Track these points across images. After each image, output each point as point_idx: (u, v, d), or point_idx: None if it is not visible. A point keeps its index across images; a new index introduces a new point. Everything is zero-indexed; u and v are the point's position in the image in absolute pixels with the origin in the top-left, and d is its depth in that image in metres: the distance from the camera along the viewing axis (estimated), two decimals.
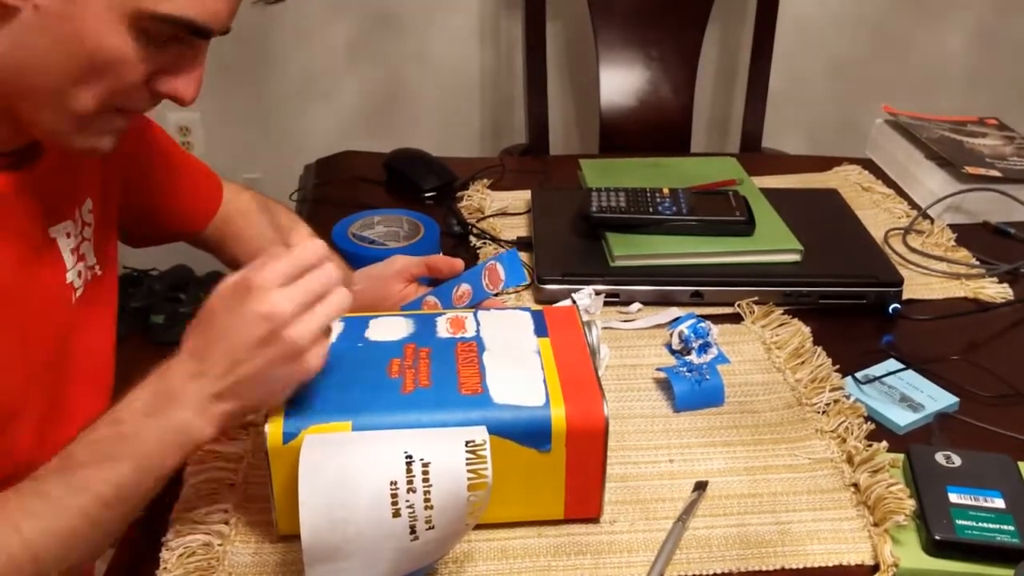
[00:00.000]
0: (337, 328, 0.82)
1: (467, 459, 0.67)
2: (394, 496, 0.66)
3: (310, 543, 0.66)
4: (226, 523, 0.78)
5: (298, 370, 0.69)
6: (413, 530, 0.66)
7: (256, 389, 0.69)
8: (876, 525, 0.77)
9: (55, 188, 0.79)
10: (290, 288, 0.68)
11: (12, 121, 0.71)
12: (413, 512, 0.66)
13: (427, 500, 0.66)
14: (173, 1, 0.65)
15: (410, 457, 0.67)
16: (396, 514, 0.66)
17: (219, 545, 0.76)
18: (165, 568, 0.74)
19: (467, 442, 0.68)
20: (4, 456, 0.75)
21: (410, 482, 0.66)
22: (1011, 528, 0.75)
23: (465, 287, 0.97)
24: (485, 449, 0.68)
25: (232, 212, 1.07)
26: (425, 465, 0.66)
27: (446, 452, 0.68)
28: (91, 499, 0.66)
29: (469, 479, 0.67)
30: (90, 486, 0.66)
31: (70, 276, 0.81)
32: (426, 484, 0.66)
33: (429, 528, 0.66)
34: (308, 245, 0.71)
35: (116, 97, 0.69)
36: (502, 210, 1.32)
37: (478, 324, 0.84)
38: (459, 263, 1.00)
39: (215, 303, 0.70)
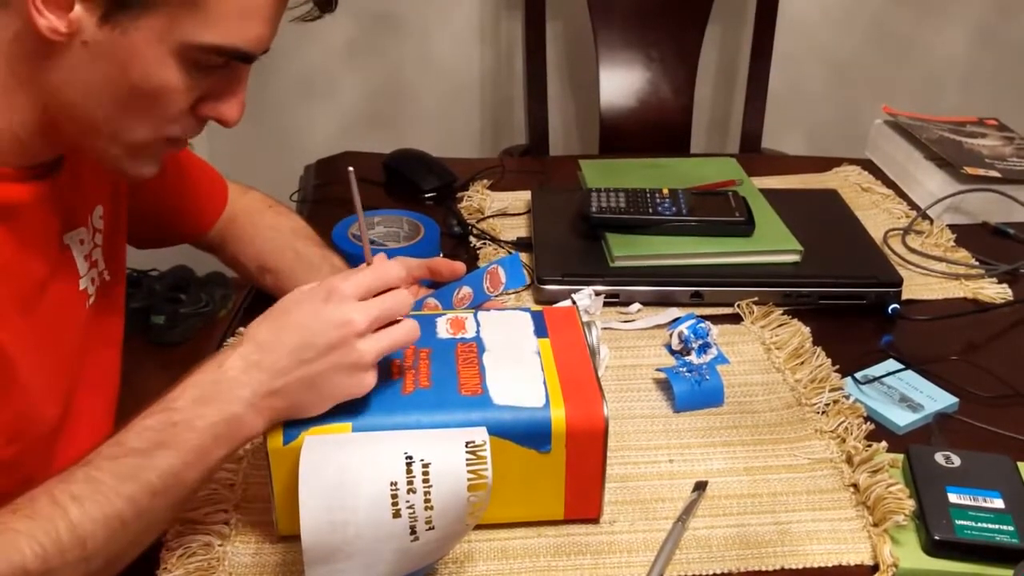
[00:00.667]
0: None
1: (467, 460, 0.67)
2: (394, 497, 0.66)
3: (310, 544, 0.66)
4: (226, 523, 0.78)
5: (355, 383, 0.70)
6: (413, 531, 0.66)
7: (311, 392, 0.69)
8: (876, 525, 0.77)
9: (71, 196, 0.80)
10: (369, 303, 0.70)
11: (55, 140, 0.72)
12: (413, 513, 0.66)
13: (427, 501, 0.66)
14: (219, 31, 0.67)
15: (410, 458, 0.67)
16: (396, 515, 0.66)
17: (219, 545, 0.76)
18: (165, 568, 0.74)
19: (467, 443, 0.68)
20: (16, 467, 0.74)
21: (410, 483, 0.66)
22: (1010, 528, 0.75)
23: (466, 290, 0.97)
24: (485, 450, 0.68)
25: (236, 212, 1.07)
26: (425, 466, 0.66)
27: (446, 453, 0.68)
28: (139, 487, 0.66)
29: (469, 480, 0.67)
30: (138, 474, 0.66)
31: (83, 283, 0.82)
32: (426, 485, 0.66)
33: (429, 529, 0.66)
34: (392, 266, 0.73)
35: (167, 126, 0.71)
36: (502, 211, 1.32)
37: (478, 325, 0.84)
38: (460, 266, 1.00)
39: (292, 301, 0.71)
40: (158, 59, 0.67)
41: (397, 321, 0.73)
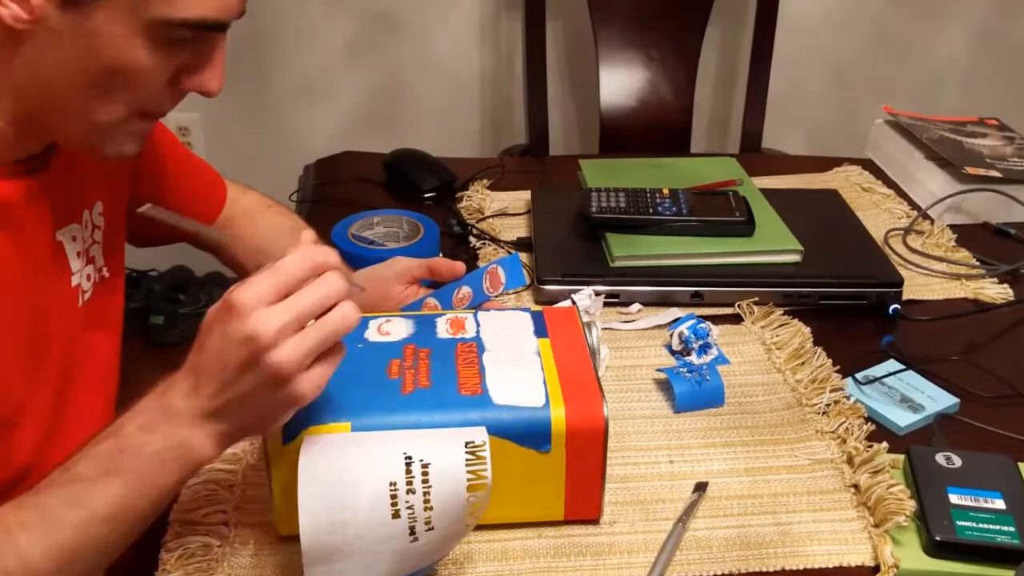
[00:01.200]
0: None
1: (467, 460, 0.67)
2: (393, 497, 0.66)
3: (309, 544, 0.66)
4: (225, 524, 0.78)
5: (285, 397, 0.64)
6: (413, 531, 0.66)
7: (246, 412, 0.65)
8: (876, 526, 0.77)
9: (63, 192, 0.79)
10: (277, 307, 0.63)
11: (34, 130, 0.72)
12: (413, 513, 0.66)
13: (427, 501, 0.66)
14: (184, 4, 0.65)
15: (409, 458, 0.67)
16: (396, 515, 0.66)
17: (218, 546, 0.76)
18: (164, 569, 0.74)
19: (467, 443, 0.68)
20: (4, 460, 0.74)
21: (409, 483, 0.66)
22: (1011, 529, 0.75)
23: (466, 289, 0.97)
24: (485, 450, 0.68)
25: (236, 212, 1.07)
26: (425, 466, 0.66)
27: (446, 453, 0.67)
28: (88, 514, 0.64)
29: (469, 480, 0.67)
30: (87, 501, 0.64)
31: (76, 279, 0.81)
32: (426, 485, 0.66)
33: (429, 529, 0.66)
34: (298, 255, 0.65)
35: (140, 103, 0.70)
36: (502, 211, 1.32)
37: (478, 325, 0.84)
38: (460, 266, 1.00)
39: (208, 320, 0.66)
40: (126, 39, 0.65)
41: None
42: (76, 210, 0.82)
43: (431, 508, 0.66)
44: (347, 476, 0.67)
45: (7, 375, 0.73)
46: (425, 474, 0.66)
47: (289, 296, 0.63)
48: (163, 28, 0.66)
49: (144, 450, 0.65)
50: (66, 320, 0.80)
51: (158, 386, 0.68)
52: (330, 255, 0.66)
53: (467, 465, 0.67)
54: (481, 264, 1.17)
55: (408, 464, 0.66)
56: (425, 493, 0.66)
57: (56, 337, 0.79)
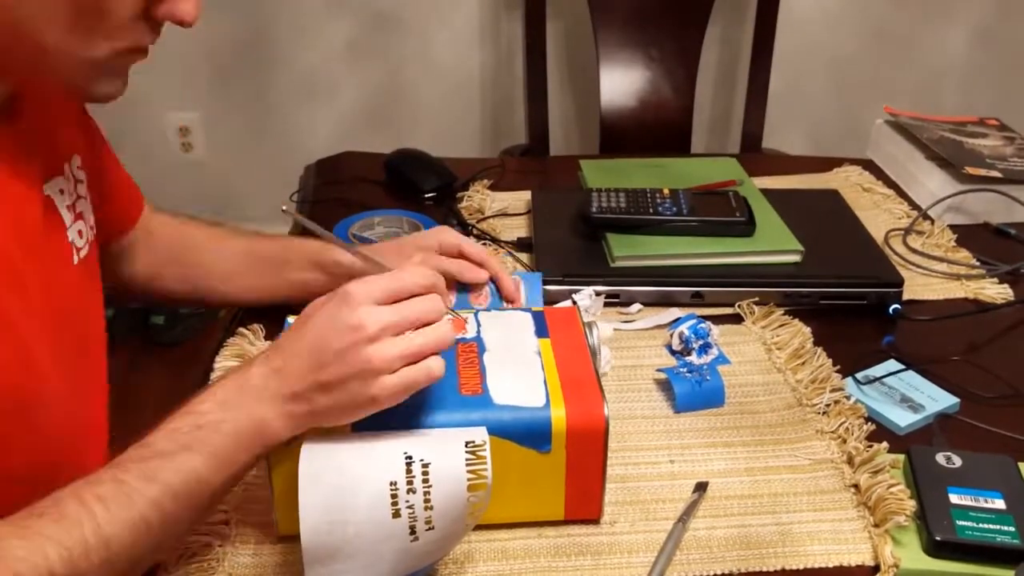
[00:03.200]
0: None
1: (467, 460, 0.67)
2: (394, 497, 0.66)
3: (310, 544, 0.66)
4: (226, 523, 0.78)
5: (367, 392, 0.67)
6: (413, 531, 0.66)
7: (325, 399, 0.68)
8: (877, 526, 0.77)
9: (41, 144, 0.77)
10: (385, 307, 0.68)
11: (5, 72, 0.69)
12: (413, 513, 0.66)
13: (427, 501, 0.66)
14: None
15: (410, 458, 0.67)
16: (396, 515, 0.66)
17: (219, 546, 0.76)
18: (165, 569, 0.74)
19: (467, 443, 0.68)
20: (34, 432, 0.73)
21: (410, 483, 0.66)
22: (1011, 529, 0.75)
23: (486, 291, 0.98)
24: (485, 450, 0.68)
25: (153, 222, 1.03)
26: (425, 466, 0.66)
27: (446, 453, 0.68)
28: (163, 490, 0.65)
29: (469, 480, 0.67)
30: (162, 476, 0.65)
31: (70, 235, 0.79)
32: (426, 485, 0.66)
33: (429, 529, 0.66)
34: (417, 271, 0.71)
35: (121, 36, 0.67)
36: (502, 211, 1.32)
37: (479, 325, 0.84)
38: (484, 275, 1.00)
39: (312, 306, 0.70)
40: None
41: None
42: (59, 163, 0.80)
43: (431, 508, 0.66)
44: (348, 476, 0.67)
45: (27, 336, 0.71)
46: (426, 474, 0.66)
47: (397, 303, 0.69)
48: None
49: (222, 427, 0.67)
50: (64, 279, 0.79)
51: (240, 365, 0.71)
52: (439, 281, 0.72)
53: (467, 465, 0.67)
54: None
55: (408, 464, 0.66)
56: (426, 493, 0.66)
57: (62, 298, 0.77)
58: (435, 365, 0.69)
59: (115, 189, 0.97)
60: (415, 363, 0.68)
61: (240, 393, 0.69)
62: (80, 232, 0.81)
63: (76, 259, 0.80)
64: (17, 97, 0.74)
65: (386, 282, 0.69)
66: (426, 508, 0.66)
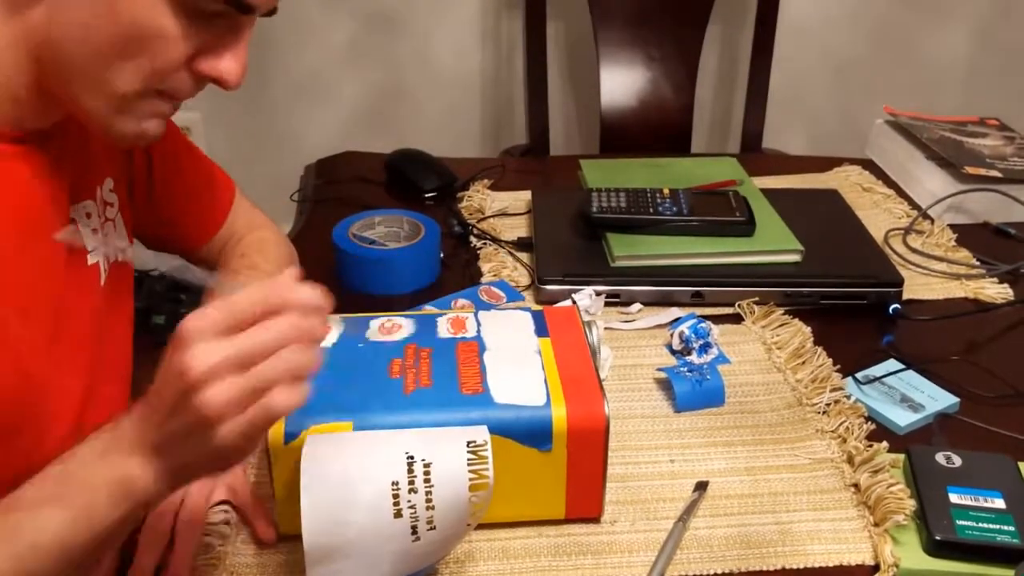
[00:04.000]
0: (334, 335, 0.81)
1: (468, 460, 0.67)
2: (396, 497, 0.66)
3: (312, 544, 0.66)
4: (227, 523, 0.78)
5: (208, 447, 0.57)
6: (415, 531, 0.66)
7: (185, 452, 0.59)
8: (877, 525, 0.77)
9: (77, 166, 0.77)
10: (220, 342, 0.57)
11: (53, 98, 0.69)
12: (415, 513, 0.66)
13: (429, 501, 0.66)
14: None
15: (411, 458, 0.67)
16: (398, 515, 0.66)
17: (220, 546, 0.76)
18: (166, 570, 0.74)
19: (468, 442, 0.68)
20: (36, 451, 0.73)
21: (411, 482, 0.66)
22: (1011, 528, 0.75)
23: (463, 302, 0.99)
24: (486, 449, 0.68)
25: (232, 236, 1.02)
26: (427, 466, 0.66)
27: (447, 452, 0.68)
28: (25, 547, 0.59)
29: (471, 480, 0.67)
30: (23, 534, 0.59)
31: (93, 258, 0.79)
32: (427, 485, 0.66)
33: (431, 529, 0.66)
34: (258, 289, 0.59)
35: (158, 77, 0.66)
36: (503, 210, 1.32)
37: (479, 324, 0.84)
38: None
39: (168, 344, 0.60)
40: (150, 1, 0.62)
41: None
42: (91, 186, 0.79)
43: (433, 508, 0.66)
44: (349, 476, 0.67)
45: (28, 354, 0.71)
46: (427, 474, 0.66)
47: (237, 334, 0.57)
48: None
49: (92, 480, 0.60)
50: (88, 302, 0.78)
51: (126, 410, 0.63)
52: (296, 294, 0.60)
53: (469, 465, 0.67)
54: (482, 264, 1.17)
55: (410, 463, 0.67)
56: (427, 493, 0.66)
57: (79, 320, 0.76)
58: (279, 400, 0.58)
59: (189, 201, 0.97)
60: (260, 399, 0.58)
61: (112, 442, 0.60)
62: (107, 256, 0.81)
63: (102, 281, 0.80)
64: (61, 124, 0.74)
65: (221, 311, 0.57)
66: (428, 508, 0.66)
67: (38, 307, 0.72)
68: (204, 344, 0.56)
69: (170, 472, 0.60)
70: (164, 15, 0.63)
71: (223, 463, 0.61)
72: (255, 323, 0.58)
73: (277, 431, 0.71)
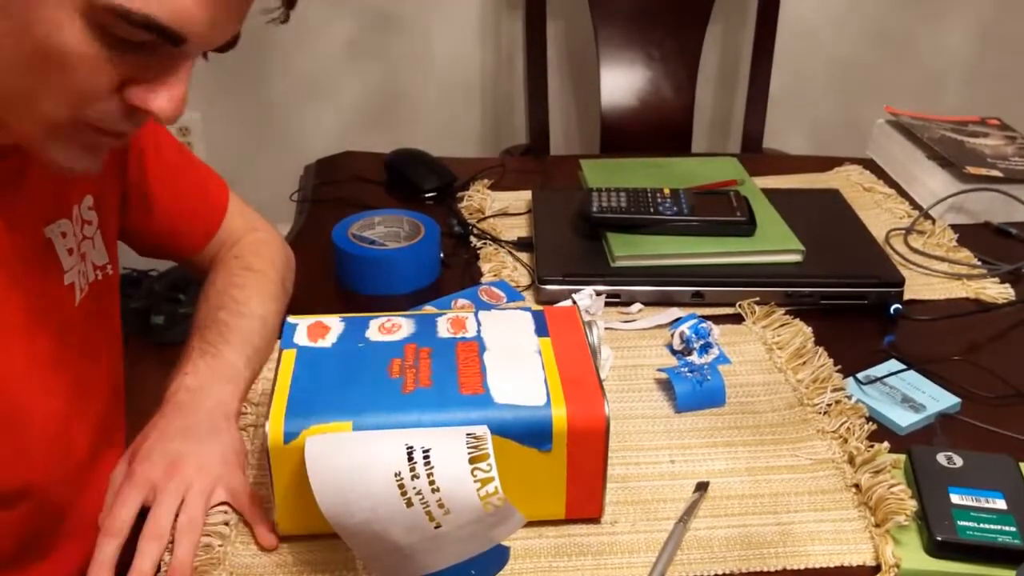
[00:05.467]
0: (333, 336, 0.82)
1: (467, 442, 0.68)
2: (401, 487, 0.66)
3: (353, 543, 0.68)
4: (226, 524, 0.78)
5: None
6: (431, 517, 0.66)
7: None
8: (878, 526, 0.77)
9: (48, 186, 0.76)
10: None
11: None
12: (423, 499, 0.66)
13: (432, 482, 0.66)
14: None
15: (411, 447, 0.67)
16: (408, 504, 0.66)
17: (219, 546, 0.76)
18: (166, 570, 0.74)
19: (468, 434, 0.69)
20: (13, 465, 0.74)
21: (413, 468, 0.66)
22: (1013, 529, 0.75)
23: (464, 302, 0.99)
24: (486, 438, 0.69)
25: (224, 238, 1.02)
26: (426, 452, 0.67)
27: (445, 436, 0.68)
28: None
29: (470, 453, 0.67)
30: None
31: (69, 278, 0.79)
32: (428, 467, 0.66)
33: (446, 513, 0.66)
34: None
35: (84, 103, 0.63)
36: (503, 210, 1.31)
37: (479, 324, 0.84)
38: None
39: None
40: (62, 18, 0.58)
41: None
42: (66, 205, 0.79)
43: (438, 489, 0.66)
44: (354, 475, 0.67)
45: (5, 378, 0.72)
46: (427, 458, 0.66)
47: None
48: (105, 16, 0.58)
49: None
50: (62, 321, 0.79)
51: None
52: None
53: (468, 445, 0.68)
54: (482, 264, 1.17)
55: (410, 452, 0.67)
56: (429, 475, 0.66)
57: (56, 341, 0.77)
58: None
59: (184, 210, 0.97)
60: None
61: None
62: (82, 272, 0.81)
63: (77, 300, 0.80)
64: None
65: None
66: (433, 490, 0.66)
67: (11, 330, 0.72)
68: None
69: None
70: (79, 36, 0.59)
71: None
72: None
73: (277, 431, 0.71)
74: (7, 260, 0.72)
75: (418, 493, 0.66)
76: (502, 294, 1.08)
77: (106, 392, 0.86)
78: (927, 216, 1.29)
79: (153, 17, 0.58)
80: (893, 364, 0.97)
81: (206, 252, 1.01)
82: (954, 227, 1.26)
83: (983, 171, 1.30)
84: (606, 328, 1.03)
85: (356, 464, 0.67)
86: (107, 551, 0.72)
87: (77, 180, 0.80)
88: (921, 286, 1.14)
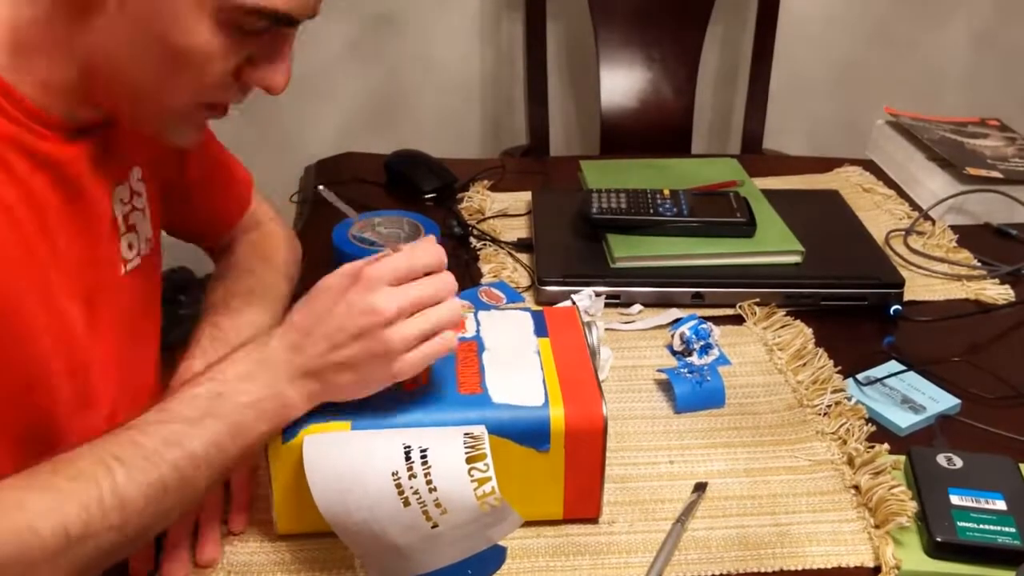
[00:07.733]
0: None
1: (465, 442, 0.68)
2: (398, 487, 0.66)
3: (353, 545, 0.67)
4: (225, 522, 0.78)
5: (386, 372, 0.70)
6: (428, 516, 0.66)
7: (344, 377, 0.70)
8: (877, 527, 0.77)
9: (114, 152, 0.78)
10: (399, 289, 0.70)
11: (91, 98, 0.71)
12: (420, 498, 0.66)
13: (429, 482, 0.66)
14: None
15: (408, 447, 0.67)
16: (406, 503, 0.66)
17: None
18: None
19: (465, 433, 0.69)
20: (86, 407, 0.74)
21: (410, 468, 0.66)
22: (1012, 530, 0.75)
23: (465, 302, 0.98)
24: (483, 438, 0.69)
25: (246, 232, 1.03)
26: (423, 452, 0.67)
27: (443, 436, 0.68)
28: (184, 454, 0.65)
29: (467, 453, 0.67)
30: (183, 441, 0.66)
31: (121, 245, 0.80)
32: (425, 467, 0.66)
33: (443, 512, 0.66)
34: (429, 248, 0.72)
35: (206, 92, 0.70)
36: (503, 211, 1.31)
37: (478, 324, 0.84)
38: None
39: (328, 282, 0.71)
40: (195, 21, 0.64)
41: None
42: (124, 172, 0.81)
43: (435, 489, 0.66)
44: (351, 475, 0.67)
45: (76, 338, 0.73)
46: (424, 458, 0.67)
47: (409, 282, 0.70)
48: (234, 14, 0.65)
49: (242, 398, 0.68)
50: (113, 288, 0.79)
51: (257, 339, 0.72)
52: (444, 258, 0.73)
53: (465, 446, 0.68)
54: (482, 265, 1.17)
55: (407, 452, 0.67)
56: (426, 474, 0.66)
57: (109, 310, 0.78)
58: (451, 337, 0.71)
59: (215, 197, 0.99)
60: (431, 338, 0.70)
61: (259, 366, 0.70)
62: (131, 245, 0.82)
63: (124, 270, 0.81)
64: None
65: (397, 262, 0.70)
66: (431, 490, 0.66)
67: (82, 294, 0.74)
68: (389, 289, 0.69)
69: (317, 394, 0.71)
70: (210, 35, 0.65)
71: (371, 387, 0.71)
72: (417, 278, 0.71)
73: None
74: (85, 227, 0.74)
75: (415, 493, 0.66)
76: (502, 295, 1.08)
77: (147, 369, 0.88)
78: (927, 217, 1.29)
79: (276, 8, 0.66)
80: (893, 365, 0.97)
81: (224, 238, 1.03)
82: (954, 228, 1.26)
83: (983, 172, 1.30)
84: (606, 329, 1.03)
85: (354, 464, 0.67)
86: None
87: (129, 150, 0.82)
88: (921, 287, 1.14)
